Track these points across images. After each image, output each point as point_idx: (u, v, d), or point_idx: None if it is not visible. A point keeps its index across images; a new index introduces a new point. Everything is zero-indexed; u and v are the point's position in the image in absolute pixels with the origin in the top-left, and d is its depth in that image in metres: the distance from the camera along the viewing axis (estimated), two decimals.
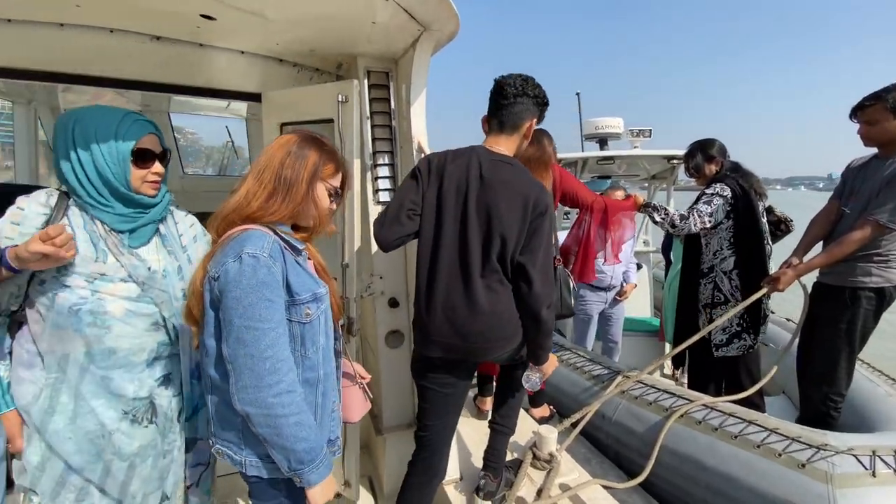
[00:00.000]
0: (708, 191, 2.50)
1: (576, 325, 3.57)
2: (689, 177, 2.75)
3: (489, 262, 1.40)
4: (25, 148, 2.96)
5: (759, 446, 1.89)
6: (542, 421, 2.62)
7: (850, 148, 2.44)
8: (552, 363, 1.60)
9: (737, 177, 2.52)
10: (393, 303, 2.01)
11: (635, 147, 3.64)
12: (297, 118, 1.83)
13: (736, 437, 1.97)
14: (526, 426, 2.26)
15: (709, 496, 1.92)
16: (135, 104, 3.20)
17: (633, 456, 2.20)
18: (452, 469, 1.90)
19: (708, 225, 2.42)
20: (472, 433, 2.16)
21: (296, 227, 1.18)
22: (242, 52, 1.89)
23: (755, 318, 2.49)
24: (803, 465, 1.75)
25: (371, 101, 1.78)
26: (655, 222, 2.49)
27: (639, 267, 3.60)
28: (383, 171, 1.84)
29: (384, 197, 1.86)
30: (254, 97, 1.99)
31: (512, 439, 1.89)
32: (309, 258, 1.22)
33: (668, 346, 3.78)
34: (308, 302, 1.06)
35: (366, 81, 1.77)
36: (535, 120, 1.52)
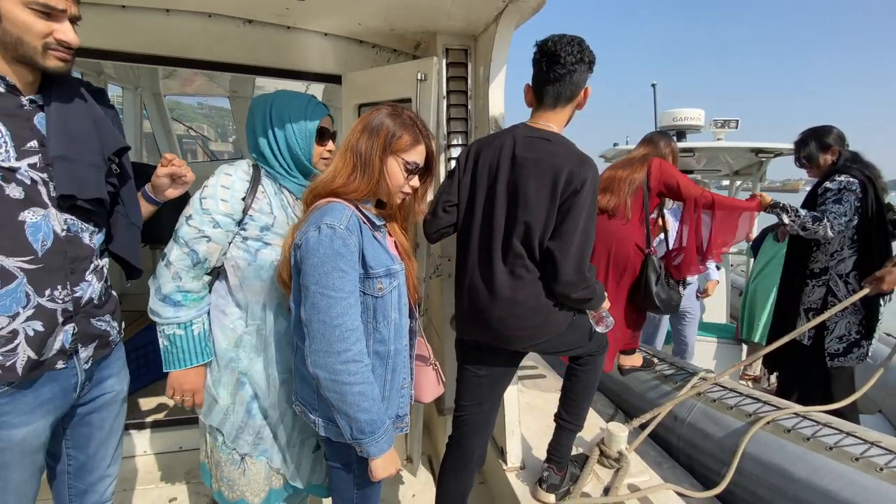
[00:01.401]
0: (831, 185, 2.22)
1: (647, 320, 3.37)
2: (799, 167, 2.46)
3: (511, 246, 1.31)
4: (132, 132, 3.24)
5: (857, 459, 1.69)
6: (631, 370, 2.58)
7: None
8: (606, 302, 1.47)
9: (861, 167, 2.24)
10: None
11: (719, 139, 3.35)
12: (375, 98, 1.84)
13: (831, 448, 1.77)
14: (592, 422, 2.17)
15: None
16: (223, 90, 3.45)
17: (708, 462, 2.04)
18: (515, 457, 1.85)
19: (843, 224, 2.15)
20: (533, 423, 2.10)
21: (380, 204, 1.19)
22: (325, 34, 1.93)
23: (872, 324, 2.23)
24: None
25: (448, 79, 1.75)
26: (784, 224, 2.26)
27: (718, 267, 3.33)
28: (457, 153, 1.81)
29: None
30: (334, 79, 2.04)
31: (578, 435, 1.82)
32: (390, 235, 1.22)
33: (744, 349, 3.49)
34: (381, 276, 1.07)
35: (444, 60, 1.75)
36: (588, 88, 1.37)
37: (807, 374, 2.38)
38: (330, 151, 1.30)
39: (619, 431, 1.85)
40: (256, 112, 1.25)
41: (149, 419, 2.18)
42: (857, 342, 2.26)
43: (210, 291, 1.26)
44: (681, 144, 3.37)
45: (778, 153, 3.27)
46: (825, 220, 2.15)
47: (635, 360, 2.65)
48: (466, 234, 1.41)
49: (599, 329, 1.47)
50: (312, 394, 1.12)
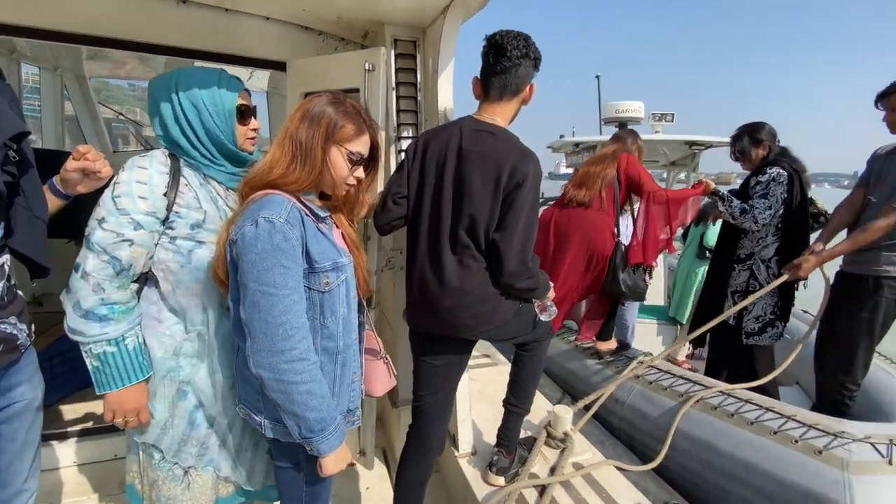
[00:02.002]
0: (762, 179, 2.38)
1: None
2: (734, 160, 2.62)
3: (459, 237, 1.32)
4: (52, 116, 2.94)
5: (775, 433, 1.86)
6: (606, 353, 2.75)
7: (876, 145, 2.31)
8: (551, 292, 1.53)
9: (790, 161, 2.42)
10: None
11: (657, 132, 3.53)
12: (321, 87, 1.76)
13: (752, 423, 1.93)
14: (540, 405, 2.24)
15: (723, 481, 1.90)
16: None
17: (645, 440, 2.18)
18: (466, 443, 1.89)
19: (768, 216, 2.32)
20: (485, 410, 2.15)
21: (325, 195, 1.15)
22: (268, 18, 1.83)
23: (787, 306, 2.44)
24: (820, 452, 1.71)
25: (397, 70, 1.72)
26: (719, 211, 2.45)
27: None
28: (406, 145, 1.79)
29: None
30: (278, 66, 1.94)
31: (526, 418, 1.88)
32: (337, 227, 1.19)
33: (678, 332, 3.74)
34: (328, 271, 1.03)
35: (392, 51, 1.71)
36: (534, 84, 1.40)
37: (732, 352, 2.56)
38: (255, 130, 1.21)
39: (565, 413, 1.93)
40: (159, 95, 1.10)
41: (77, 428, 2.02)
42: (771, 322, 2.45)
43: (139, 300, 1.14)
44: None
45: (709, 145, 3.50)
46: (750, 214, 2.31)
47: (611, 344, 2.81)
48: (416, 225, 1.41)
49: (543, 317, 1.53)
50: (256, 395, 1.07)
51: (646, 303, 3.71)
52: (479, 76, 1.40)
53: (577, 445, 1.93)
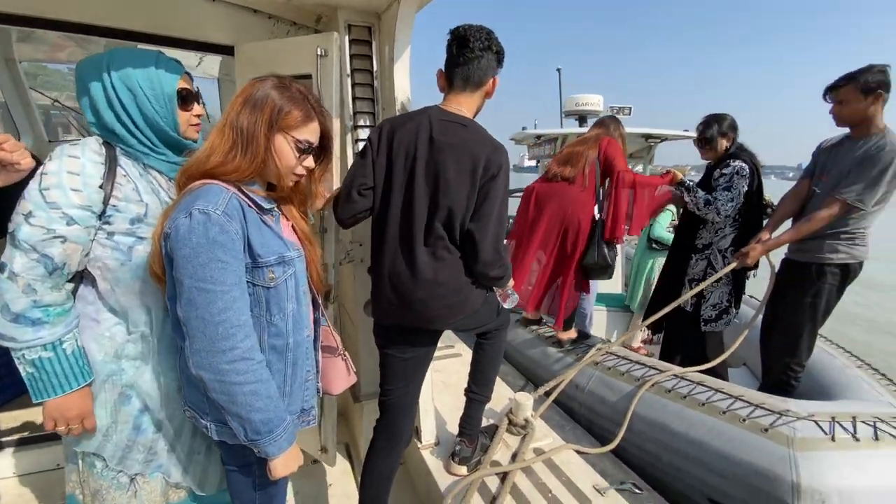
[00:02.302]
0: (726, 171, 2.44)
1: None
2: (699, 148, 2.66)
3: (433, 228, 1.31)
4: None
5: (725, 412, 1.92)
6: (567, 343, 2.81)
7: (820, 139, 2.43)
8: (511, 281, 1.56)
9: (749, 155, 2.49)
10: None
11: None
12: (274, 73, 1.70)
13: (703, 404, 2.00)
14: (502, 393, 2.25)
15: (677, 460, 1.95)
16: None
17: (605, 424, 2.22)
18: (429, 434, 1.87)
19: (731, 208, 2.39)
20: (448, 400, 2.14)
21: (272, 186, 1.08)
22: (213, 0, 1.73)
23: (740, 294, 2.54)
24: (766, 430, 1.78)
25: (352, 57, 1.65)
26: (685, 202, 2.51)
27: None
28: (365, 133, 1.73)
29: None
30: (226, 50, 1.84)
31: (489, 406, 1.88)
32: (287, 219, 1.13)
33: (632, 319, 3.83)
34: (273, 265, 0.98)
35: (346, 37, 1.65)
36: (496, 78, 1.41)
37: (687, 337, 2.66)
38: (199, 116, 1.14)
39: (526, 400, 1.94)
40: (88, 78, 1.01)
41: (15, 437, 1.88)
42: (726, 310, 2.56)
43: (74, 300, 1.05)
44: (582, 129, 3.56)
45: (664, 138, 3.58)
46: (714, 205, 2.38)
47: (571, 334, 2.86)
48: (383, 217, 1.35)
49: (506, 305, 1.55)
50: (201, 397, 1.01)
51: (604, 291, 3.80)
52: (442, 68, 1.39)
53: (537, 431, 1.95)
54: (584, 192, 2.51)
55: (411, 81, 1.64)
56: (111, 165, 1.01)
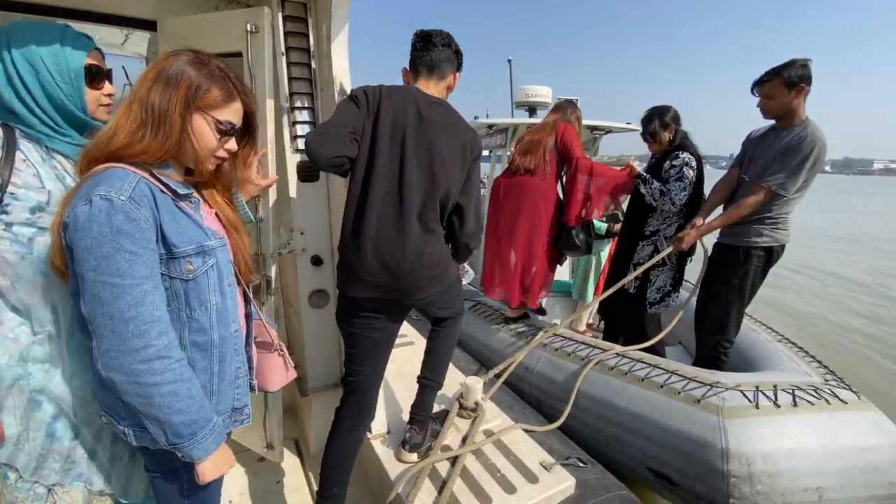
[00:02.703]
0: (676, 163, 2.50)
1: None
2: (644, 141, 2.72)
3: (431, 202, 1.35)
4: None
5: (662, 387, 2.00)
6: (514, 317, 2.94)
7: (750, 129, 2.55)
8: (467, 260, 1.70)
9: (694, 146, 2.57)
10: (316, 260, 1.85)
11: None
12: (188, 48, 1.57)
13: (643, 379, 2.07)
14: (454, 379, 2.24)
15: (619, 433, 2.02)
16: None
17: (553, 402, 2.26)
18: (380, 423, 1.82)
19: (684, 197, 2.45)
20: (400, 389, 2.10)
21: (190, 170, 0.99)
22: None
23: (681, 277, 2.66)
24: (699, 401, 1.87)
25: (286, 34, 1.55)
26: (640, 193, 2.56)
27: None
28: (302, 116, 1.64)
29: (303, 145, 1.67)
30: (150, 25, 1.68)
31: (440, 392, 1.86)
32: (209, 206, 1.04)
33: (579, 302, 3.95)
34: (190, 255, 0.90)
35: (280, 13, 1.54)
36: (456, 76, 1.49)
37: (629, 318, 2.76)
38: (110, 95, 1.04)
39: (475, 384, 1.94)
40: None
41: None
42: (668, 293, 2.67)
43: None
44: (531, 119, 3.58)
45: (609, 130, 3.67)
46: (668, 196, 2.46)
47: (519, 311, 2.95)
48: (366, 185, 1.31)
49: (465, 280, 1.59)
50: (116, 400, 0.92)
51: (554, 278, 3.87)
52: (407, 66, 1.47)
53: (488, 413, 1.96)
54: (546, 181, 2.60)
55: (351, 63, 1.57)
56: (9, 149, 0.91)
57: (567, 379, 2.27)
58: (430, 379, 1.70)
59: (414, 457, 1.69)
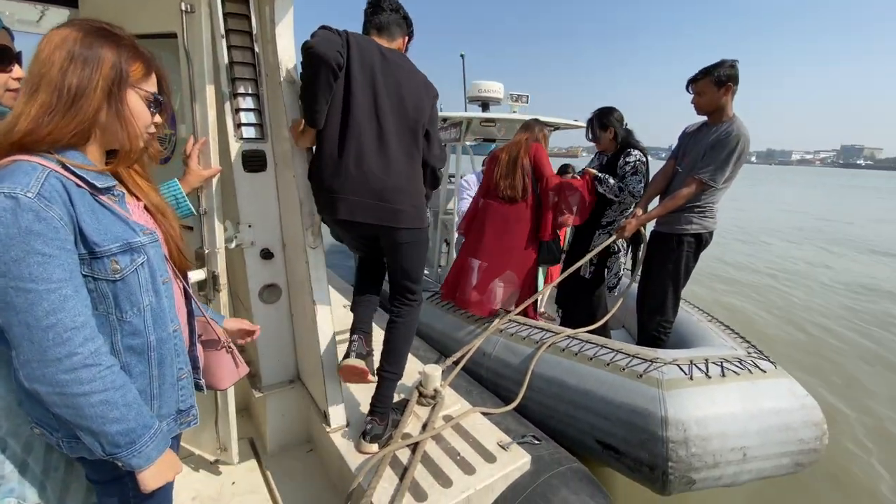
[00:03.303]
0: (630, 159, 2.66)
1: None
2: (589, 141, 2.88)
3: (406, 130, 1.52)
4: None
5: (608, 364, 2.10)
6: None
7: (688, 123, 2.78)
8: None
9: (638, 142, 2.72)
10: (266, 254, 1.76)
11: (514, 112, 3.69)
12: (130, 31, 1.42)
13: (591, 358, 2.16)
14: (413, 368, 2.23)
15: (571, 410, 2.10)
16: None
17: (509, 385, 2.31)
18: (339, 417, 1.78)
19: (642, 188, 2.62)
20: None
21: (110, 154, 0.89)
22: None
23: (636, 260, 2.80)
24: (641, 376, 1.98)
25: (226, 16, 1.45)
26: (599, 192, 2.72)
27: None
28: (246, 103, 1.54)
29: (248, 132, 1.57)
30: (70, 2, 1.51)
31: (400, 382, 1.84)
32: (138, 198, 0.94)
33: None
34: (116, 254, 0.82)
35: None
36: (405, 39, 1.65)
37: (584, 302, 2.90)
38: (18, 80, 0.94)
39: (434, 371, 1.94)
40: None
41: None
42: (621, 278, 2.84)
43: None
44: (484, 115, 3.60)
45: (557, 126, 3.76)
46: (627, 190, 2.63)
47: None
48: (346, 116, 1.43)
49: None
50: (46, 411, 0.83)
51: None
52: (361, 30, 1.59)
53: (447, 399, 1.96)
54: (528, 207, 2.72)
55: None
56: None
57: (522, 362, 2.33)
58: (389, 371, 1.69)
59: (374, 447, 1.66)
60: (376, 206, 1.47)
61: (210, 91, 1.36)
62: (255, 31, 1.51)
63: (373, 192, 1.45)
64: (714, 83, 2.25)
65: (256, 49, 1.52)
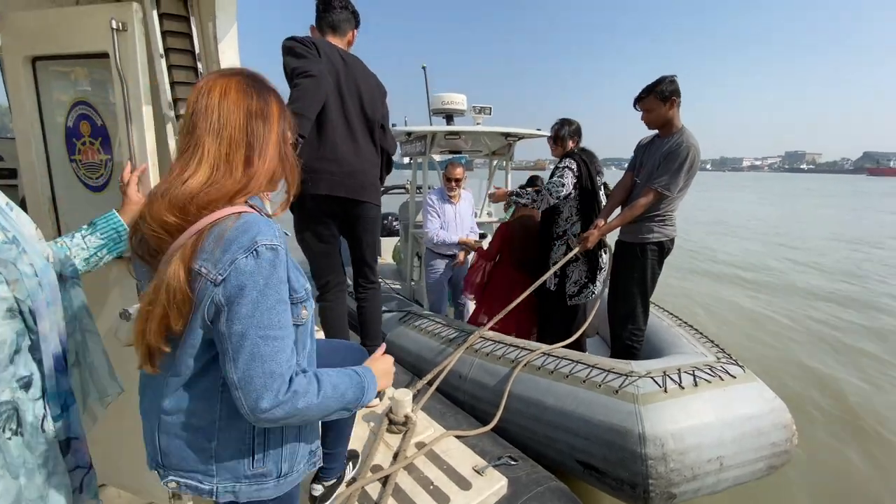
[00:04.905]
0: (559, 165, 2.73)
1: (429, 292, 3.56)
2: (550, 146, 2.97)
3: (368, 125, 1.90)
4: None
5: (584, 381, 2.06)
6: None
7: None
8: None
9: (580, 153, 2.77)
10: None
11: (478, 123, 3.68)
12: (57, 50, 1.32)
13: (568, 376, 2.12)
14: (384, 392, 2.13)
15: (549, 430, 2.04)
16: None
17: (486, 407, 2.23)
18: None
19: (561, 193, 2.66)
20: None
21: None
22: None
23: (594, 271, 2.79)
24: (617, 391, 1.94)
25: (165, 34, 1.36)
26: (524, 205, 2.81)
27: (482, 237, 3.70)
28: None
29: None
30: None
31: (367, 410, 1.75)
32: None
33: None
34: (304, 301, 0.86)
35: (154, 10, 1.35)
36: (354, 32, 1.93)
37: (554, 314, 2.88)
38: None
39: (404, 396, 1.86)
40: None
41: None
42: (585, 285, 2.82)
43: None
44: (449, 127, 3.58)
45: (522, 137, 3.78)
46: (543, 194, 2.68)
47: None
48: (321, 117, 1.74)
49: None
50: (205, 460, 0.83)
51: None
52: (313, 24, 1.90)
53: (419, 425, 1.88)
54: None
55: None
56: None
57: (498, 383, 2.26)
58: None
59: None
60: (350, 183, 1.84)
61: (148, 113, 1.27)
62: (197, 50, 1.43)
63: (346, 172, 1.82)
64: (659, 99, 2.34)
65: (200, 68, 1.44)
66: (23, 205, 1.52)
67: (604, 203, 2.78)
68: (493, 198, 3.11)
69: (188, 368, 0.80)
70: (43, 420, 0.90)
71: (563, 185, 2.65)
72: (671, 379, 1.95)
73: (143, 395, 0.88)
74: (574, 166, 2.69)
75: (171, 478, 0.87)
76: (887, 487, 2.63)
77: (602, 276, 2.84)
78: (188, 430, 0.82)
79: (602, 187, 2.85)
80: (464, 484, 1.59)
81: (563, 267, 2.76)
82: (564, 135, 2.86)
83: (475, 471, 1.65)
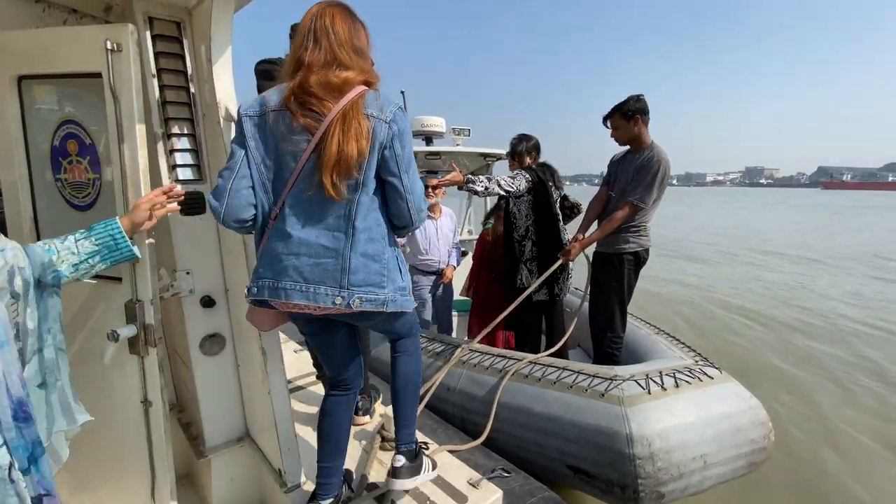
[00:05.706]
0: (514, 173, 2.80)
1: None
2: (508, 161, 3.00)
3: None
4: None
5: (571, 386, 2.11)
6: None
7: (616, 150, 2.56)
8: None
9: (539, 167, 2.85)
10: (207, 302, 1.63)
11: (457, 145, 3.81)
12: (47, 69, 1.32)
13: (555, 382, 2.16)
14: (376, 410, 2.11)
15: (539, 437, 2.07)
16: None
17: (476, 419, 2.25)
18: (293, 476, 1.62)
19: (511, 186, 2.65)
20: (313, 435, 1.91)
21: None
22: None
23: (546, 266, 2.79)
24: (603, 395, 2.00)
25: (157, 55, 1.38)
26: (477, 192, 2.68)
27: (464, 254, 3.77)
28: (181, 143, 1.46)
29: (184, 174, 1.47)
30: None
31: (360, 429, 1.73)
32: None
33: None
34: None
35: (148, 31, 1.37)
36: None
37: (524, 318, 2.89)
38: None
39: None
40: None
41: None
42: (561, 291, 2.88)
43: None
44: (429, 148, 3.68)
45: (500, 157, 3.93)
46: (493, 181, 2.65)
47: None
48: None
49: None
50: (378, 274, 1.15)
51: (457, 297, 3.94)
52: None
53: None
54: None
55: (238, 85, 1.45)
56: None
57: (487, 393, 2.28)
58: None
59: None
60: None
61: (140, 131, 1.28)
62: (189, 71, 1.45)
63: None
64: (623, 118, 2.48)
65: (192, 88, 1.46)
66: (1, 226, 1.47)
67: (559, 214, 2.89)
68: (447, 181, 2.77)
69: (373, 183, 1.13)
70: (10, 470, 0.81)
71: (510, 176, 2.70)
72: (654, 381, 2.03)
73: (299, 229, 1.12)
74: (530, 176, 2.74)
75: (355, 296, 1.12)
76: (858, 480, 2.78)
77: (567, 279, 2.89)
78: (372, 242, 1.14)
79: (558, 200, 2.90)
80: (460, 497, 1.59)
81: (530, 263, 2.80)
82: (522, 150, 2.89)
83: (470, 484, 1.65)
